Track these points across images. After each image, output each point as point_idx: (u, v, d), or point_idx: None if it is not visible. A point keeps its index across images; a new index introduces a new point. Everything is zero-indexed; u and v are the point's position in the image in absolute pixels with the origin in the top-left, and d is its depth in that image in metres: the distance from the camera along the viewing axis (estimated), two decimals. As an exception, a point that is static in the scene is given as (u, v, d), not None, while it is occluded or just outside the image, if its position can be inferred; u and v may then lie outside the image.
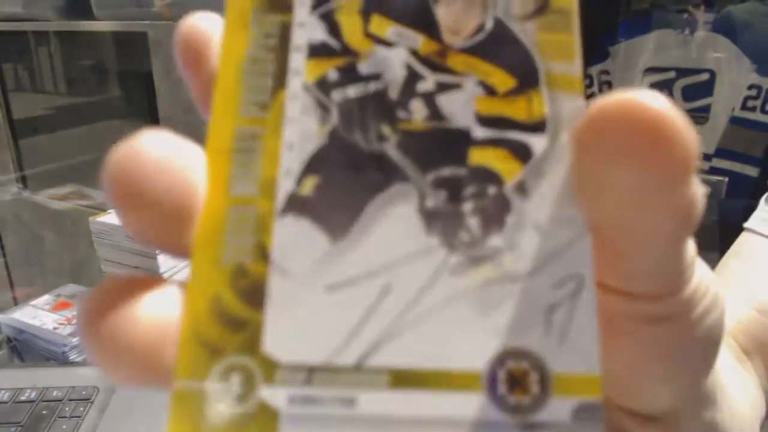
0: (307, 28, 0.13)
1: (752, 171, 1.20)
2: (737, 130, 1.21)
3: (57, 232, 1.35)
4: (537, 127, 0.12)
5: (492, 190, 0.12)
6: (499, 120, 0.12)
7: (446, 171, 0.12)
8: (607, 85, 1.32)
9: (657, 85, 1.29)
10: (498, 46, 0.13)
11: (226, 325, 0.11)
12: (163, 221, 0.11)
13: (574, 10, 0.13)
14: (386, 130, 0.12)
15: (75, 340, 0.77)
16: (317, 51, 0.13)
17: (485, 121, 0.12)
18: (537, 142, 0.12)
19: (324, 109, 0.12)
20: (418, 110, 0.12)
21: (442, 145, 0.12)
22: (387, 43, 0.13)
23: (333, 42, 0.13)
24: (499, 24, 0.13)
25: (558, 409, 0.11)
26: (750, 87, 1.19)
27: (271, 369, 0.11)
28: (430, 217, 0.12)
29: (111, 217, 0.88)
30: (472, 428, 0.11)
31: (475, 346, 0.11)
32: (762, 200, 0.37)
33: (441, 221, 0.12)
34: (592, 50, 1.35)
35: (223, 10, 0.13)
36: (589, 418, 0.11)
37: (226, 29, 0.13)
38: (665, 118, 0.10)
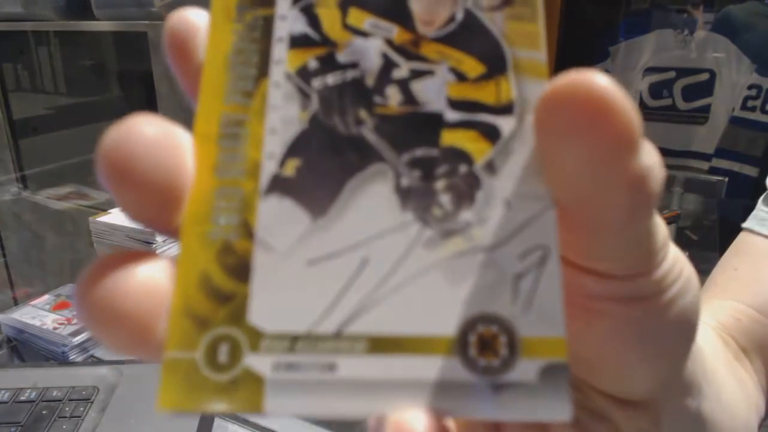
0: (289, 21, 0.14)
1: (752, 171, 1.20)
2: (737, 130, 1.21)
3: (57, 232, 1.35)
4: (505, 109, 0.13)
5: (463, 168, 0.13)
6: (470, 104, 0.13)
7: (420, 151, 0.13)
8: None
9: (657, 85, 1.28)
10: (468, 35, 0.13)
11: (214, 298, 0.12)
12: (154, 199, 0.12)
13: (539, 1, 0.13)
14: (363, 114, 0.13)
15: (75, 340, 0.76)
16: (298, 42, 0.14)
17: (456, 104, 0.13)
18: (505, 124, 0.13)
19: (305, 96, 0.13)
20: (393, 96, 0.13)
21: (416, 128, 0.13)
22: (364, 34, 0.14)
23: (313, 33, 0.14)
24: (469, 14, 0.14)
25: (525, 369, 0.11)
26: (750, 87, 1.19)
27: (256, 338, 0.12)
28: (404, 195, 0.13)
29: (111, 217, 0.88)
30: (445, 389, 0.11)
31: (447, 313, 0.12)
32: (760, 200, 0.37)
33: (415, 198, 0.13)
34: (592, 50, 1.35)
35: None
36: (554, 377, 0.11)
37: (211, 22, 0.14)
38: (605, 96, 0.11)
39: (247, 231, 0.12)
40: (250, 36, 0.14)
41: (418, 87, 0.13)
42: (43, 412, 0.58)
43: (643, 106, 1.27)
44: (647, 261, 0.14)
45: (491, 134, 0.13)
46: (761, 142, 1.19)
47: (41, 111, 1.52)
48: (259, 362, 0.12)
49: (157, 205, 0.12)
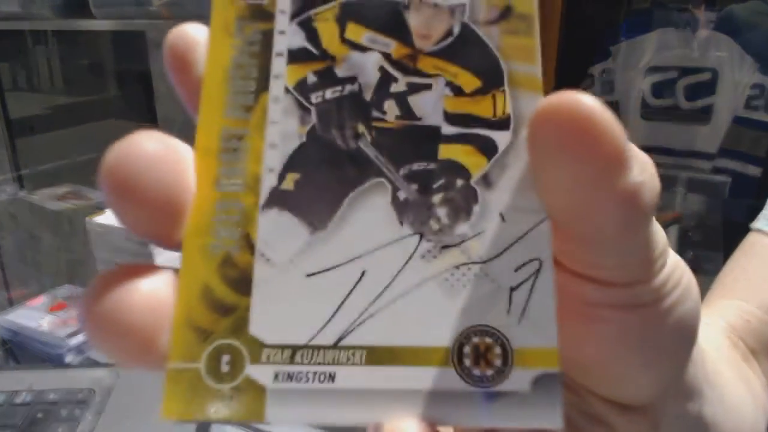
0: (288, 36, 0.14)
1: (755, 170, 1.20)
2: (740, 130, 1.20)
3: (53, 232, 1.34)
4: (501, 123, 0.13)
5: (460, 182, 0.13)
6: (466, 118, 0.13)
7: (417, 165, 0.13)
8: (609, 85, 1.31)
9: (659, 84, 1.28)
10: (465, 49, 0.14)
11: (216, 310, 0.12)
12: (156, 215, 0.12)
13: (534, 16, 0.14)
14: (362, 128, 0.13)
15: (71, 342, 0.76)
16: (297, 56, 0.14)
17: (453, 118, 0.13)
18: (501, 138, 0.13)
19: (304, 110, 0.13)
20: (391, 110, 0.13)
21: (414, 142, 0.13)
22: (362, 48, 0.14)
23: (312, 48, 0.14)
24: (465, 29, 0.14)
25: (519, 379, 0.12)
26: (753, 86, 1.18)
27: (257, 349, 0.12)
28: (402, 208, 0.13)
29: (108, 218, 0.87)
30: (441, 398, 0.12)
31: (443, 325, 0.12)
32: (768, 200, 0.36)
33: (413, 212, 0.13)
34: (594, 49, 1.34)
35: None
36: (547, 386, 0.12)
37: (211, 37, 0.14)
38: (590, 117, 0.11)
39: (248, 244, 0.13)
40: (249, 50, 0.14)
41: (416, 101, 0.13)
42: (39, 414, 0.57)
43: (645, 105, 1.27)
44: (646, 269, 0.14)
45: (487, 148, 0.13)
46: (765, 141, 1.19)
47: (38, 110, 1.51)
48: (260, 372, 0.12)
49: (159, 220, 0.12)
